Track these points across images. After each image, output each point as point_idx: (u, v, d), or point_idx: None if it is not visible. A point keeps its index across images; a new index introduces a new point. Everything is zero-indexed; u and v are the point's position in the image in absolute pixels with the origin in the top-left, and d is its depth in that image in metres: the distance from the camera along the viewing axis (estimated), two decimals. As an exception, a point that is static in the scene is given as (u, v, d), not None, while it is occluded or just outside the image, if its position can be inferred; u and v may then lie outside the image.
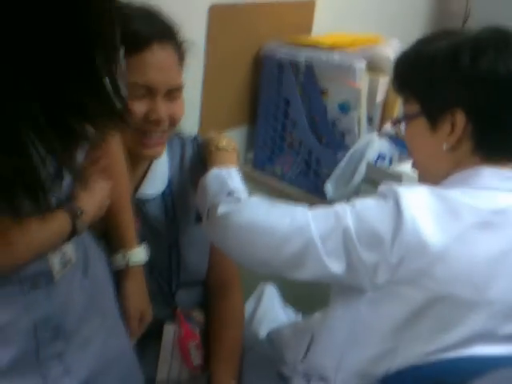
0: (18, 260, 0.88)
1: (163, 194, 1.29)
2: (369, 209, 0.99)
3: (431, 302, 0.95)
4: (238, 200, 1.11)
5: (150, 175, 1.28)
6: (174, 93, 1.19)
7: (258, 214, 1.07)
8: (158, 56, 1.16)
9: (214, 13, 1.66)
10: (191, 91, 1.63)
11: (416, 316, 0.96)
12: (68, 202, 0.94)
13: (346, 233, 0.96)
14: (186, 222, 1.31)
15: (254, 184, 1.22)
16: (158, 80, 1.15)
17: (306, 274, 1.01)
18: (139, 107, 1.14)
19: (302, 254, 1.00)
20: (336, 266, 0.97)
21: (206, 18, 1.66)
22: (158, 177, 1.29)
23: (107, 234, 1.16)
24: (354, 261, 0.96)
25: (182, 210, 1.30)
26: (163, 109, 1.17)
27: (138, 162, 1.24)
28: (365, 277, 0.97)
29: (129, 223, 1.18)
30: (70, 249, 0.96)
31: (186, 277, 1.32)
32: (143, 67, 1.13)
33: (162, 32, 1.18)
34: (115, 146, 1.11)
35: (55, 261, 0.93)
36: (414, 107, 1.07)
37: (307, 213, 1.03)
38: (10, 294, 0.90)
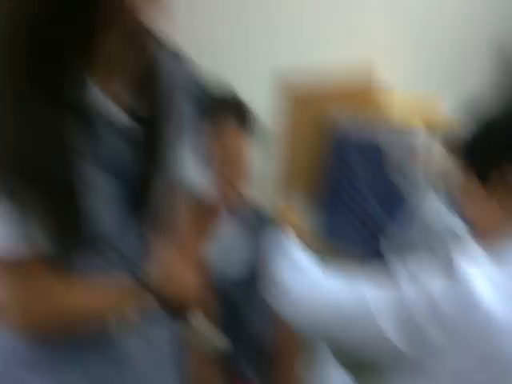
0: (77, 321, 0.91)
1: (237, 270, 1.31)
2: (428, 278, 0.98)
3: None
4: (301, 270, 1.11)
5: (218, 251, 1.29)
6: (240, 160, 1.22)
7: (321, 286, 1.08)
8: (218, 125, 1.18)
9: (285, 91, 1.72)
10: (259, 162, 1.66)
11: None
12: (136, 269, 0.96)
13: (403, 303, 0.96)
14: (257, 296, 1.29)
15: (321, 253, 1.27)
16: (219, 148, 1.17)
17: (367, 349, 1.02)
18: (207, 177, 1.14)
19: (362, 326, 1.00)
20: (396, 337, 0.97)
21: (277, 95, 1.71)
22: (231, 253, 1.31)
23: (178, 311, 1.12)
24: (414, 331, 0.95)
25: (255, 285, 1.28)
26: (224, 176, 1.20)
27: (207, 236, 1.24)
28: (431, 356, 0.95)
29: (208, 302, 1.19)
30: (130, 310, 0.96)
31: (254, 349, 1.32)
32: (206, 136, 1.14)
33: (222, 101, 1.23)
34: (188, 227, 1.13)
35: (115, 321, 0.94)
36: (469, 167, 1.07)
37: (371, 284, 1.03)
38: (67, 353, 0.92)
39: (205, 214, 1.20)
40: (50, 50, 0.79)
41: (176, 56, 1.00)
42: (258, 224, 1.37)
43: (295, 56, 1.83)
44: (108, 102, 0.87)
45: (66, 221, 0.83)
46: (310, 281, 1.10)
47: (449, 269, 0.98)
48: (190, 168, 1.06)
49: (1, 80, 0.79)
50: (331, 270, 1.13)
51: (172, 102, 0.96)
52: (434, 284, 0.97)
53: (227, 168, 1.27)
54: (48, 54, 0.79)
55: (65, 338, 0.92)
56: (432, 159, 1.71)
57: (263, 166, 1.74)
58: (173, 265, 1.01)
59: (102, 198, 0.87)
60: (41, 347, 0.92)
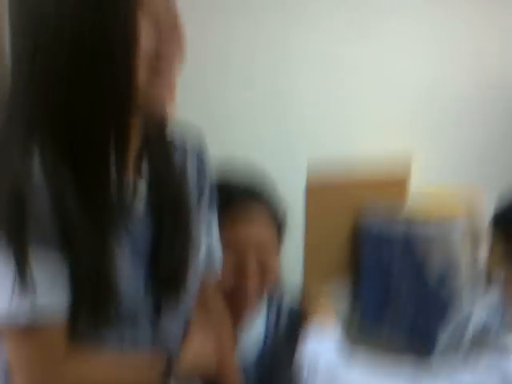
0: None
1: (256, 357, 1.28)
2: None
3: None
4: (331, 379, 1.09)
5: (245, 335, 1.28)
6: (264, 251, 1.21)
7: None
8: (244, 215, 1.19)
9: (311, 192, 1.75)
10: (290, 256, 1.68)
11: None
12: (170, 351, 0.97)
13: None
14: None
15: (361, 352, 1.21)
16: (245, 239, 1.19)
17: None
18: (228, 265, 1.15)
19: None
20: None
21: (304, 197, 1.74)
22: (253, 339, 1.29)
23: None
24: None
25: (276, 375, 1.28)
26: (251, 266, 1.20)
27: (234, 324, 1.23)
28: None
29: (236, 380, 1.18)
30: None
31: None
32: (232, 223, 1.18)
33: (250, 192, 1.23)
34: (220, 309, 1.14)
35: None
36: None
37: None
38: None
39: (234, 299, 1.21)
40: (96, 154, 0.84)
41: (195, 142, 1.05)
42: (286, 317, 1.36)
43: (329, 149, 1.82)
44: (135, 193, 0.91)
45: (99, 297, 0.84)
46: None
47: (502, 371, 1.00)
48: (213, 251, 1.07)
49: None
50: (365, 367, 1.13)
51: (184, 188, 0.99)
52: None
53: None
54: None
55: None
56: (476, 253, 1.68)
57: (294, 257, 1.73)
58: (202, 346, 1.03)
59: (132, 280, 0.89)
60: None
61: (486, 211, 1.77)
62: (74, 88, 0.81)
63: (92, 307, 0.85)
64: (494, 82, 2.34)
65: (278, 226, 1.30)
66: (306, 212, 1.76)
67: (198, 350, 1.02)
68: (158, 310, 0.95)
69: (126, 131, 0.86)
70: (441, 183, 2.05)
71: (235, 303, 1.22)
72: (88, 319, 0.86)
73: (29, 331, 0.81)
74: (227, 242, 1.13)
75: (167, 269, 0.95)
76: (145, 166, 0.95)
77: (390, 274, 1.78)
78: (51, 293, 0.81)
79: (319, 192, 1.78)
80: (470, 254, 1.69)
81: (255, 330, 1.31)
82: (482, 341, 1.56)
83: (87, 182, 0.83)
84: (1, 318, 0.80)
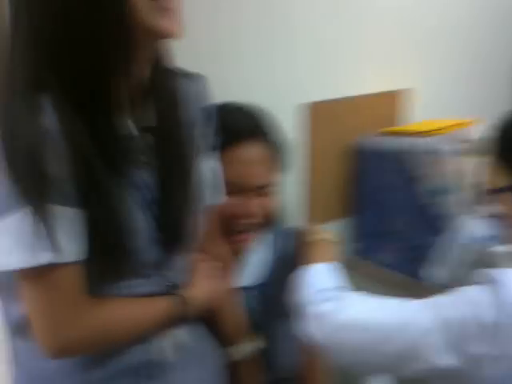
0: (120, 338, 0.91)
1: (257, 285, 1.29)
2: (478, 298, 0.95)
3: None
4: (339, 297, 1.08)
5: (246, 265, 1.28)
6: (264, 189, 1.20)
7: (360, 312, 1.04)
8: (247, 152, 1.18)
9: (309, 110, 1.75)
10: (290, 186, 1.67)
11: None
12: (181, 291, 0.99)
13: (453, 326, 0.94)
14: (277, 314, 1.29)
15: (357, 273, 1.21)
16: (246, 177, 1.18)
17: (412, 370, 0.98)
18: (227, 201, 1.15)
19: (408, 352, 0.97)
20: (447, 360, 0.94)
21: (302, 115, 1.74)
22: (254, 268, 1.29)
23: (217, 326, 1.17)
24: (467, 353, 0.93)
25: (276, 302, 1.27)
26: (254, 204, 1.19)
27: (232, 254, 1.24)
28: (480, 368, 0.93)
29: (240, 316, 1.20)
30: (182, 334, 0.99)
31: (279, 371, 1.29)
32: (232, 163, 1.16)
33: (253, 129, 1.20)
34: (221, 245, 1.17)
35: (167, 344, 0.96)
36: None
37: (413, 308, 1.01)
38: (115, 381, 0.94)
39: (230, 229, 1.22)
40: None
41: (196, 78, 1.03)
42: (286, 242, 1.35)
43: (323, 90, 1.82)
44: (130, 124, 0.89)
45: (111, 239, 0.85)
46: (349, 304, 1.07)
47: (491, 282, 0.96)
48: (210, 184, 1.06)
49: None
50: (367, 295, 1.10)
51: (184, 116, 0.97)
52: (478, 299, 0.95)
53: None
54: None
55: (110, 362, 0.92)
56: (466, 169, 1.68)
57: (291, 188, 1.76)
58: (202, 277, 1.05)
59: (138, 220, 0.89)
60: (90, 371, 0.92)
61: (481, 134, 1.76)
62: (72, 30, 0.80)
63: (110, 256, 0.85)
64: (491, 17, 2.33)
65: (280, 164, 1.29)
66: (303, 136, 1.76)
67: (204, 290, 1.04)
68: (166, 258, 0.95)
69: (128, 68, 0.85)
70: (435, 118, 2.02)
71: (232, 242, 1.23)
72: (107, 269, 0.87)
73: (48, 274, 0.82)
74: (229, 182, 1.13)
75: (172, 217, 0.94)
76: (151, 110, 0.94)
77: (386, 192, 1.80)
78: (69, 241, 0.81)
79: (320, 116, 1.77)
80: (464, 170, 1.68)
81: (256, 259, 1.31)
82: (477, 252, 1.55)
83: (98, 130, 0.83)
84: (22, 262, 0.80)
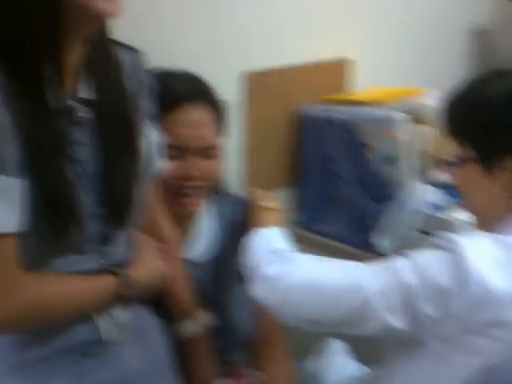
0: (56, 314, 0.89)
1: (207, 254, 1.29)
2: (429, 261, 0.96)
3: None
4: (287, 259, 1.09)
5: (192, 236, 1.28)
6: (207, 151, 1.21)
7: (310, 273, 1.05)
8: (189, 114, 1.19)
9: (250, 79, 1.71)
10: (233, 155, 1.68)
11: (491, 370, 0.93)
12: (120, 269, 0.96)
13: (405, 288, 0.94)
14: (230, 282, 1.30)
15: (305, 245, 1.22)
16: (188, 138, 1.18)
17: (364, 330, 0.99)
18: (171, 166, 1.15)
19: (359, 311, 0.97)
20: (397, 321, 0.95)
21: (242, 83, 1.71)
22: (201, 237, 1.29)
23: (166, 303, 1.17)
24: (416, 315, 0.93)
25: (226, 270, 1.29)
26: (194, 166, 1.19)
27: (178, 222, 1.23)
28: (429, 330, 0.94)
29: (189, 292, 1.20)
30: (119, 312, 0.97)
31: (235, 336, 1.31)
32: (174, 126, 1.16)
33: (194, 91, 1.21)
34: (162, 217, 1.14)
35: (104, 323, 0.95)
36: (467, 151, 1.05)
37: (362, 268, 1.01)
38: (62, 363, 0.91)
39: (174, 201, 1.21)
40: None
41: (130, 50, 1.01)
42: (233, 209, 1.36)
43: (269, 56, 1.79)
44: (64, 95, 0.87)
45: (62, 216, 0.84)
46: (297, 266, 1.08)
47: (445, 247, 0.97)
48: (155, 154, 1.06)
49: None
50: (315, 257, 1.11)
51: (124, 87, 0.96)
52: (429, 261, 0.96)
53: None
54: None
55: (49, 341, 0.90)
56: (415, 138, 1.67)
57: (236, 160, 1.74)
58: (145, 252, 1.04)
59: (78, 194, 0.87)
60: (27, 350, 0.90)
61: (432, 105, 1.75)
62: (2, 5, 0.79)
63: (50, 230, 0.83)
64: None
65: (221, 127, 1.28)
66: (245, 105, 1.72)
67: (143, 269, 1.01)
68: (105, 234, 0.93)
69: (59, 43, 0.83)
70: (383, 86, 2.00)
71: (179, 205, 1.22)
72: (46, 242, 0.84)
73: None
74: (172, 146, 1.14)
75: (114, 192, 0.92)
76: (88, 83, 0.91)
77: (333, 161, 1.76)
78: (7, 211, 0.79)
79: (258, 86, 1.73)
80: (413, 139, 1.67)
81: (204, 229, 1.30)
82: (427, 220, 1.55)
83: (34, 104, 0.82)
84: None
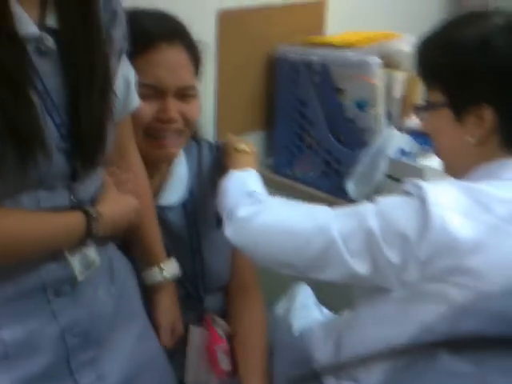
0: (25, 250, 0.88)
1: (183, 200, 1.28)
2: (393, 207, 0.95)
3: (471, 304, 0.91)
4: (259, 201, 1.08)
5: (169, 182, 1.27)
6: (185, 92, 1.18)
7: (279, 215, 1.05)
8: (166, 55, 1.16)
9: (224, 18, 1.67)
10: (205, 97, 1.63)
11: (455, 316, 0.93)
12: (88, 205, 0.94)
13: (369, 232, 0.93)
14: (207, 227, 1.29)
15: (275, 189, 1.21)
16: (166, 79, 1.15)
17: (330, 275, 0.99)
18: (150, 108, 1.14)
19: (324, 255, 0.97)
20: (360, 267, 0.95)
21: (216, 23, 1.67)
22: (178, 183, 1.28)
23: (135, 249, 1.16)
24: (379, 260, 0.93)
25: (203, 215, 1.29)
26: (174, 108, 1.16)
27: (155, 168, 1.23)
28: (391, 276, 0.94)
29: (157, 237, 1.18)
30: (92, 252, 0.96)
31: (211, 282, 1.31)
32: (151, 67, 1.14)
33: (170, 31, 1.18)
34: (135, 158, 1.11)
35: (76, 262, 0.93)
36: (438, 96, 1.02)
37: (329, 212, 1.01)
38: (34, 302, 0.91)
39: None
40: None
41: None
42: (207, 153, 1.35)
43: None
44: (30, 23, 0.83)
45: (26, 144, 0.81)
46: (268, 208, 1.08)
47: (408, 190, 0.96)
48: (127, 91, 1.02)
49: None
50: (285, 200, 1.12)
51: (93, 16, 0.90)
52: (392, 207, 0.96)
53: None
54: None
55: (22, 278, 0.89)
56: (390, 82, 1.66)
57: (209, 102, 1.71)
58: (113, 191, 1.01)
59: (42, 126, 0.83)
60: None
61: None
62: None
63: (20, 156, 0.80)
64: None
65: (197, 69, 1.25)
66: (219, 46, 1.68)
67: (114, 206, 0.99)
68: (74, 170, 0.90)
69: None
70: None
71: (157, 147, 1.19)
72: (11, 175, 0.81)
73: None
74: (146, 87, 1.11)
75: (84, 127, 0.88)
76: (52, 15, 0.86)
77: (306, 105, 1.74)
78: None
79: (232, 25, 1.69)
80: (389, 83, 1.65)
81: (178, 172, 1.29)
82: (399, 166, 1.56)
83: None
84: None
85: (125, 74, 1.00)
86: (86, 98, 0.88)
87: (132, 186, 1.06)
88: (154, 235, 1.17)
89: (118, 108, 0.97)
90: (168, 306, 1.20)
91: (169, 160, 1.25)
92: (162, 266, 1.17)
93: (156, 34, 1.15)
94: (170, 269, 1.18)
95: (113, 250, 1.06)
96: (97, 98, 0.90)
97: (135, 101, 1.04)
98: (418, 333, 0.95)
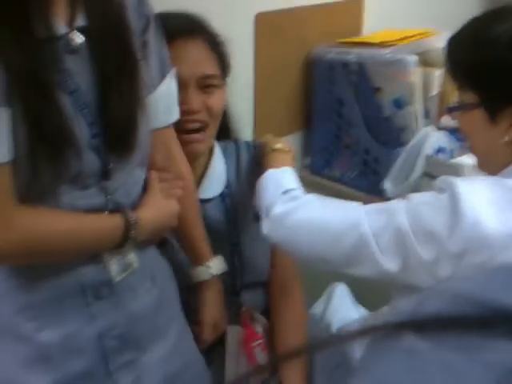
0: (59, 249, 0.88)
1: (222, 195, 1.30)
2: (424, 203, 0.94)
3: None
4: (294, 198, 1.09)
5: (207, 177, 1.29)
6: (207, 82, 1.19)
7: (313, 212, 1.06)
8: (185, 49, 1.17)
9: (261, 21, 1.68)
10: (244, 100, 1.67)
11: None
12: (127, 209, 0.94)
13: (398, 229, 0.93)
14: (245, 223, 1.31)
15: (313, 189, 1.21)
16: (186, 71, 1.15)
17: (362, 270, 0.98)
18: None
19: (355, 251, 0.97)
20: (390, 264, 0.94)
21: (253, 26, 1.67)
22: (216, 178, 1.30)
23: (182, 247, 1.19)
24: (409, 257, 0.92)
25: (242, 211, 1.31)
26: (195, 98, 1.17)
27: (192, 164, 1.22)
28: (423, 273, 0.93)
29: (203, 235, 1.19)
30: (130, 254, 0.96)
31: (250, 277, 1.33)
32: (172, 62, 1.12)
33: (187, 27, 1.19)
34: (184, 165, 1.11)
35: (114, 264, 0.94)
36: (471, 97, 0.99)
37: (360, 209, 1.01)
38: (73, 305, 0.92)
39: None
40: None
41: None
42: (246, 152, 1.37)
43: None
44: (59, 22, 0.84)
45: (56, 144, 0.82)
46: (302, 205, 1.08)
47: (441, 186, 0.95)
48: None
49: None
50: (321, 196, 1.13)
51: (121, 14, 0.91)
52: (423, 203, 0.95)
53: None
54: None
55: (60, 281, 0.90)
56: (427, 80, 1.64)
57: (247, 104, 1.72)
58: (156, 195, 1.01)
59: (73, 124, 0.84)
60: (35, 291, 0.90)
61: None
62: None
63: (49, 156, 0.81)
64: None
65: (221, 62, 1.25)
66: (257, 48, 1.68)
67: (156, 212, 0.99)
68: (106, 168, 0.90)
69: None
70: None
71: (184, 143, 1.17)
72: (43, 173, 0.81)
73: None
74: None
75: (116, 123, 0.89)
76: (81, 14, 0.87)
77: (343, 104, 1.75)
78: None
79: (269, 28, 1.69)
80: (426, 82, 1.65)
81: (216, 168, 1.31)
82: (436, 164, 1.55)
83: (20, 34, 0.78)
84: None
85: (170, 84, 1.01)
86: (114, 94, 0.88)
87: (181, 192, 1.06)
88: (200, 235, 1.19)
89: (159, 116, 0.98)
90: (213, 303, 1.22)
91: (194, 156, 1.24)
92: (208, 264, 1.18)
93: (175, 29, 1.15)
94: (216, 267, 1.20)
95: (154, 254, 1.07)
96: (126, 95, 0.90)
97: (176, 112, 1.05)
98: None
